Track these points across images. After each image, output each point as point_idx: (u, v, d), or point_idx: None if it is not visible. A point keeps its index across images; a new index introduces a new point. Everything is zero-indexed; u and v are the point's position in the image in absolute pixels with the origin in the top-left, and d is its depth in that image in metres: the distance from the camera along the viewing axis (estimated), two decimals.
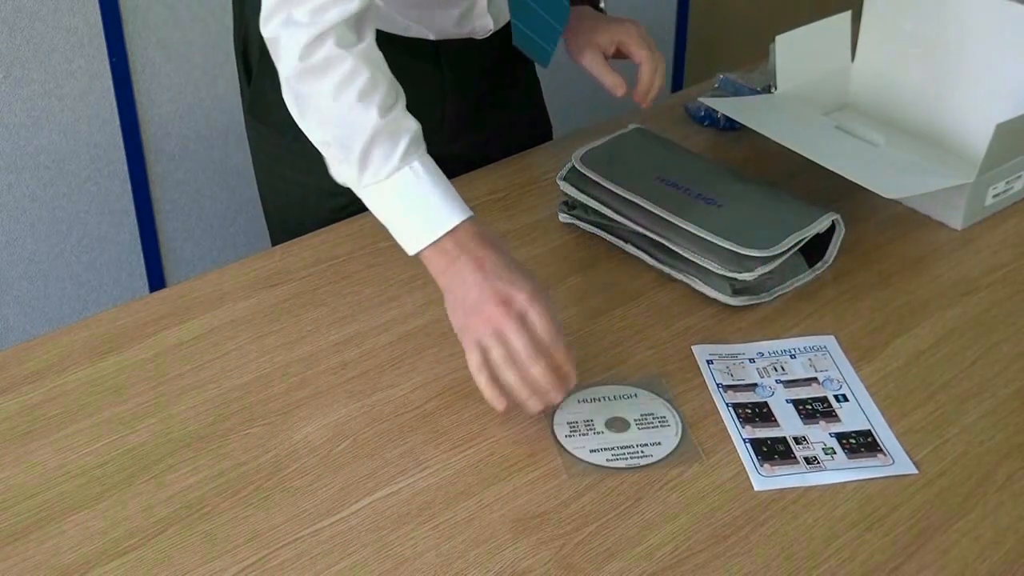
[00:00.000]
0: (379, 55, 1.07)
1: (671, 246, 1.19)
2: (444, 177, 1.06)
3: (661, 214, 1.21)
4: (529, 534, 0.92)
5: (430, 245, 1.04)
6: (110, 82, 2.13)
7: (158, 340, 1.13)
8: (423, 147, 1.06)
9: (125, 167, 2.22)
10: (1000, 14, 1.38)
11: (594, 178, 1.27)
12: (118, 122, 2.17)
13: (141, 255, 2.31)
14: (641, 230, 1.22)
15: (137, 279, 2.33)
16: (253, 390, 1.07)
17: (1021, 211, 1.35)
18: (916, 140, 1.45)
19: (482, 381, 1.00)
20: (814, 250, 1.21)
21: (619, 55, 1.37)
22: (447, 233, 1.03)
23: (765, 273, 1.15)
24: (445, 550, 0.90)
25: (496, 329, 0.99)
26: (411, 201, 1.05)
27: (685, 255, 1.18)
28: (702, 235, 1.17)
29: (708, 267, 1.16)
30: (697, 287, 1.18)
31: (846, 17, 1.51)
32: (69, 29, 2.05)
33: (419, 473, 0.97)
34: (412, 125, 1.06)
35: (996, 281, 1.22)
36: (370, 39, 1.07)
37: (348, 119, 1.04)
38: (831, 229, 1.22)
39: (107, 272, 2.29)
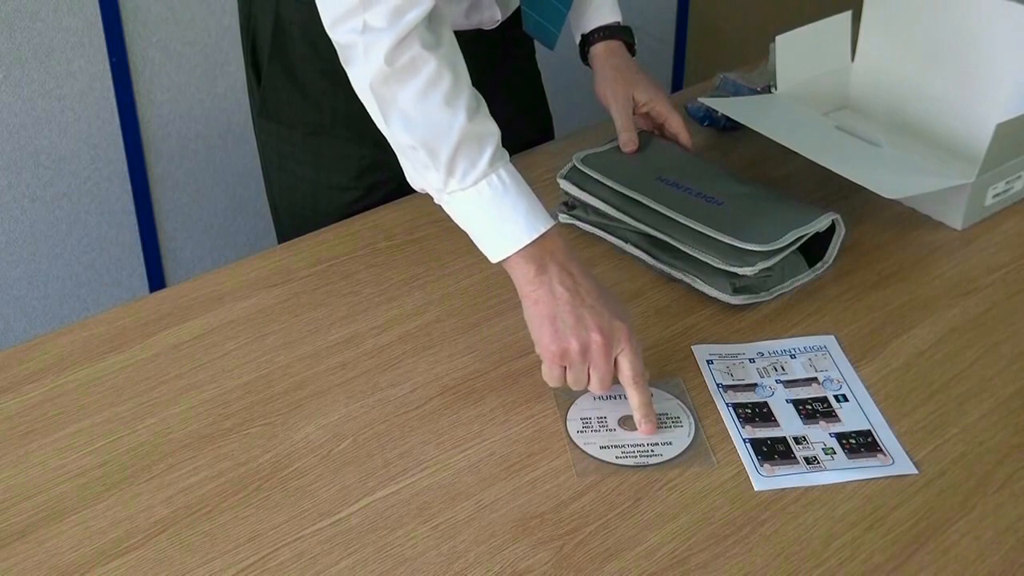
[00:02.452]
0: (459, 57, 1.06)
1: (671, 242, 1.19)
2: (525, 183, 1.05)
3: (661, 211, 1.21)
4: (529, 534, 0.92)
5: (519, 251, 1.03)
6: (110, 82, 2.13)
7: (158, 340, 1.13)
8: (506, 152, 1.05)
9: (125, 167, 2.22)
10: (1000, 14, 1.38)
11: (595, 176, 1.27)
12: (118, 122, 2.17)
13: (141, 255, 2.31)
14: (641, 227, 1.22)
15: (137, 279, 2.33)
16: (253, 390, 1.07)
17: (1021, 211, 1.35)
18: (916, 140, 1.45)
19: (553, 385, 1.04)
20: (814, 251, 1.21)
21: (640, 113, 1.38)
22: (535, 240, 1.03)
23: (765, 269, 1.15)
24: (445, 550, 0.90)
25: (588, 361, 1.01)
26: (499, 207, 1.03)
27: (685, 251, 1.18)
28: (703, 230, 1.17)
29: (708, 262, 1.16)
30: (697, 286, 1.18)
31: (846, 17, 1.51)
32: (69, 29, 2.05)
33: (419, 473, 0.97)
34: (496, 130, 1.05)
35: (996, 281, 1.22)
36: (448, 40, 1.05)
37: (435, 122, 1.02)
38: (831, 229, 1.22)
39: (107, 272, 2.29)
